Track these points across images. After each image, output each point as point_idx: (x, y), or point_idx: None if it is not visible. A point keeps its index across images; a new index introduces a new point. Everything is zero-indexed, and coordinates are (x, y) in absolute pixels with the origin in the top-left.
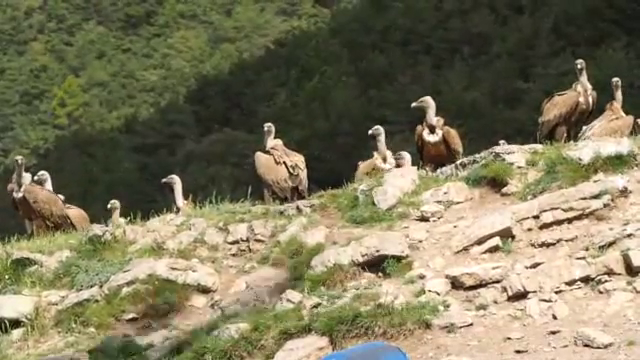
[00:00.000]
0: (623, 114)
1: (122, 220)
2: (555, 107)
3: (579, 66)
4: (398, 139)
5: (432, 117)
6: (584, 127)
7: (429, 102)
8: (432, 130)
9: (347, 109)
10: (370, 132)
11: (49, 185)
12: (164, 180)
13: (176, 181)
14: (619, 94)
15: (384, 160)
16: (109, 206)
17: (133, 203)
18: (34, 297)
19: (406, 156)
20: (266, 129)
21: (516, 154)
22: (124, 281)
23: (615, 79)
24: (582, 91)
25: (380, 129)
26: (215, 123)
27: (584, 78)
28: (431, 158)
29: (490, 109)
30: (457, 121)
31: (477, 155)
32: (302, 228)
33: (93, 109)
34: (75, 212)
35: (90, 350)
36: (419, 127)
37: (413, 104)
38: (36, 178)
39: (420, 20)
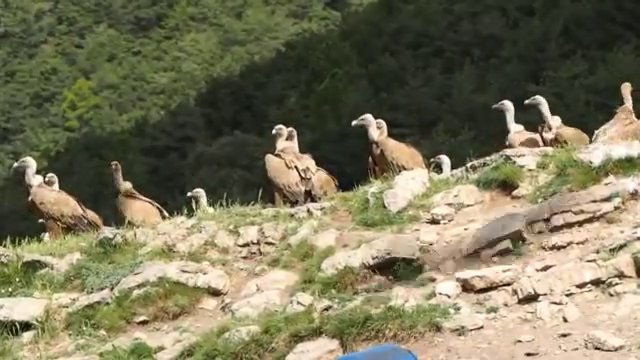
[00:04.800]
0: (634, 118)
1: (128, 184)
2: None
3: None
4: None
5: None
6: (596, 132)
7: (369, 120)
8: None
9: (358, 112)
10: (354, 123)
11: (56, 187)
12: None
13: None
14: (629, 98)
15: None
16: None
17: None
18: (45, 300)
19: (445, 159)
20: (274, 132)
21: (527, 157)
22: (135, 284)
23: (625, 84)
24: None
25: (367, 117)
26: (225, 126)
27: None
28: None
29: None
30: (468, 123)
31: (488, 158)
32: (313, 231)
33: (103, 112)
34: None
35: (101, 353)
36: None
37: (353, 122)
38: (46, 179)
39: (431, 23)
